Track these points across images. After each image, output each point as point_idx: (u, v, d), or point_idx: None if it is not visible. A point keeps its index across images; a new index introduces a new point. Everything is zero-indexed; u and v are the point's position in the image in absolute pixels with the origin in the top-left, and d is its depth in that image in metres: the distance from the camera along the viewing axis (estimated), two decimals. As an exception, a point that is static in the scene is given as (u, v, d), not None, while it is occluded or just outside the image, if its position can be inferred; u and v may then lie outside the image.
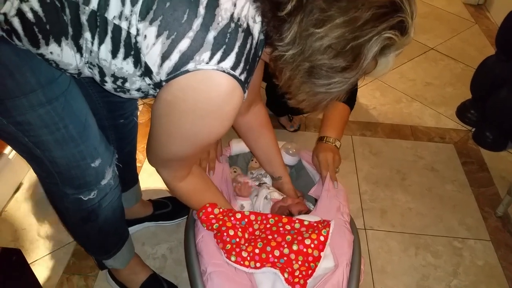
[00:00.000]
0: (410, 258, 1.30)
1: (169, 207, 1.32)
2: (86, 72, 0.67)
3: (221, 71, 0.58)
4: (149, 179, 1.48)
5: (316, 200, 1.06)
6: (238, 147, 1.27)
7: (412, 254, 1.31)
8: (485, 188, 1.55)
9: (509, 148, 1.72)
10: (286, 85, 0.65)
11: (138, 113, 1.12)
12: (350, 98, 1.24)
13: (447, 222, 1.42)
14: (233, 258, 0.84)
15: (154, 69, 0.59)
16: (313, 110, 0.70)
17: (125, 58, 0.61)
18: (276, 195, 1.06)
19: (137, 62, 0.61)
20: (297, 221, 0.90)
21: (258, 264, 0.84)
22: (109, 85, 0.67)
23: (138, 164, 1.49)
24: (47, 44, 0.61)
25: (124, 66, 0.62)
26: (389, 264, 1.28)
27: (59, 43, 0.61)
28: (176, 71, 0.58)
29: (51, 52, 0.62)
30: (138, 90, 0.67)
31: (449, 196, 1.51)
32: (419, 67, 2.15)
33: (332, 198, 0.98)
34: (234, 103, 0.62)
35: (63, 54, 0.63)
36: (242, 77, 0.61)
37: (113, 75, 0.65)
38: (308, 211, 1.00)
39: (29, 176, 1.49)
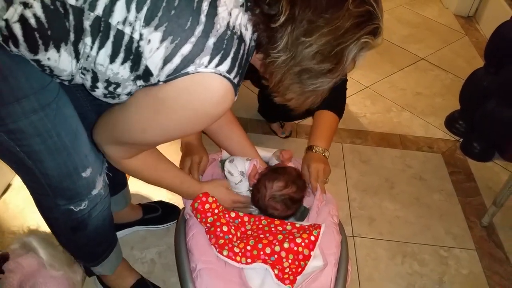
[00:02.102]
0: (397, 266, 1.32)
1: (158, 212, 1.32)
2: (78, 78, 0.68)
3: (218, 74, 0.62)
4: (139, 182, 1.47)
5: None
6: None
7: (399, 262, 1.33)
8: (471, 198, 1.58)
9: (495, 159, 1.75)
10: (276, 87, 0.71)
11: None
12: (339, 107, 1.26)
13: (434, 231, 1.44)
14: (225, 253, 0.86)
15: (155, 72, 0.62)
16: (300, 107, 0.75)
17: (123, 62, 0.63)
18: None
19: (135, 66, 0.63)
20: (289, 223, 0.93)
21: (249, 260, 0.86)
22: (99, 91, 0.69)
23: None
24: (46, 50, 0.62)
25: (121, 71, 0.64)
26: (376, 271, 1.30)
27: (58, 49, 0.62)
28: (176, 73, 0.62)
29: (48, 58, 0.63)
30: (128, 94, 0.69)
31: (437, 205, 1.54)
32: (409, 77, 2.19)
33: (323, 207, 1.00)
34: (226, 104, 0.67)
35: (60, 60, 0.63)
36: (236, 80, 0.65)
37: (107, 81, 0.66)
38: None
39: (18, 177, 1.48)
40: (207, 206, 0.91)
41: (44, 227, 1.26)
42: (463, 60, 2.35)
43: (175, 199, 1.38)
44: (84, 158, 0.78)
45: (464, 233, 1.45)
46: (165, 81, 0.63)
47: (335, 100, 1.25)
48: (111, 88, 0.67)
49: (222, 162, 1.28)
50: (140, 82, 0.66)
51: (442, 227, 1.46)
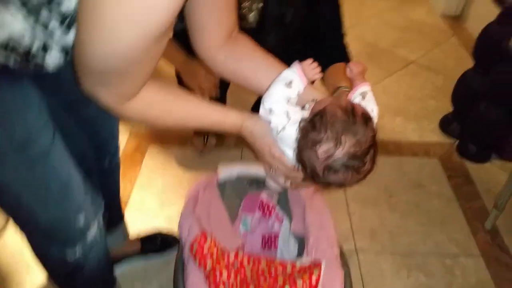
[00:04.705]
0: (403, 280, 1.30)
1: (157, 241, 1.30)
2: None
3: None
4: (137, 211, 1.47)
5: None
6: (226, 172, 1.26)
7: (404, 276, 1.31)
8: (472, 202, 1.57)
9: (493, 159, 1.74)
10: None
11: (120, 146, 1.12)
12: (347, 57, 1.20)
13: (436, 239, 1.43)
14: None
15: None
16: None
17: None
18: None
19: None
20: (289, 263, 0.89)
21: None
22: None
23: (125, 197, 1.49)
24: None
25: None
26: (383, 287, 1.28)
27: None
28: None
29: None
30: None
31: (437, 212, 1.52)
32: (401, 80, 2.18)
33: (321, 233, 0.98)
34: None
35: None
36: None
37: None
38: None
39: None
40: (205, 250, 0.87)
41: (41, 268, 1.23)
42: (453, 60, 2.35)
43: (173, 227, 1.37)
44: (77, 207, 0.77)
45: (467, 238, 1.44)
46: None
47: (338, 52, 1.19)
48: None
49: (221, 184, 1.27)
50: None
51: (444, 233, 1.45)
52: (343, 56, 1.20)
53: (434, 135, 1.87)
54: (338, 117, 0.66)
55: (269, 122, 0.70)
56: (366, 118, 0.68)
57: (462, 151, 1.76)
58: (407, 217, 1.50)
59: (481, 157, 1.74)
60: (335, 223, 1.40)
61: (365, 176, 0.70)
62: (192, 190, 1.18)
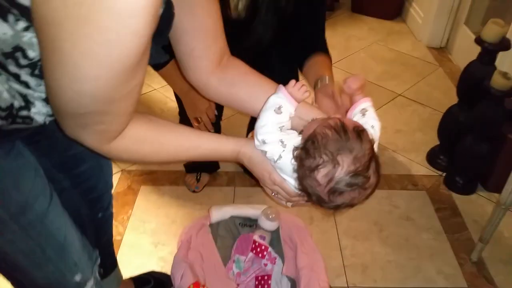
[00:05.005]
0: (392, 315, 1.34)
1: (151, 283, 1.32)
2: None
3: None
4: (130, 252, 1.49)
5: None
6: (218, 214, 1.29)
7: (394, 311, 1.35)
8: (459, 234, 1.61)
9: (479, 191, 1.80)
10: None
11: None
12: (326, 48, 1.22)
13: (426, 273, 1.47)
14: None
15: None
16: None
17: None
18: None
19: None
20: None
21: None
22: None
23: (118, 237, 1.51)
24: None
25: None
26: (373, 322, 1.31)
27: None
28: None
29: None
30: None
31: (426, 245, 1.56)
32: (388, 114, 2.25)
33: (311, 275, 1.02)
34: None
35: None
36: None
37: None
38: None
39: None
40: None
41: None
42: (439, 92, 2.43)
43: (167, 267, 1.39)
44: (73, 267, 0.79)
45: (455, 271, 1.47)
46: None
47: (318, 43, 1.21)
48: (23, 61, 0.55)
49: (213, 225, 1.30)
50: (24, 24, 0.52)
51: (433, 267, 1.49)
52: (323, 47, 1.21)
53: (421, 168, 1.92)
54: (330, 137, 0.64)
55: (265, 153, 0.69)
56: (359, 131, 0.66)
57: (449, 183, 1.82)
58: (398, 251, 1.54)
59: (467, 189, 1.79)
60: (327, 259, 1.45)
61: (373, 190, 0.68)
62: (184, 234, 1.21)
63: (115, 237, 1.24)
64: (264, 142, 0.68)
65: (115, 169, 1.75)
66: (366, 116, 0.76)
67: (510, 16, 2.07)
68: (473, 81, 1.64)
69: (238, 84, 0.77)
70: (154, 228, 1.58)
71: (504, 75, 1.47)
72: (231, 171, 1.82)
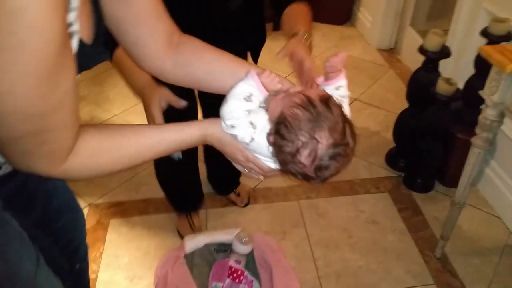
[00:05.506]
0: (367, 320, 1.40)
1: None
2: None
3: None
4: (110, 275, 1.49)
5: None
6: (192, 243, 1.31)
7: (369, 316, 1.42)
8: (422, 232, 1.71)
9: (436, 187, 1.91)
10: None
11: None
12: None
13: (395, 274, 1.55)
14: None
15: None
16: None
17: None
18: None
19: None
20: None
21: None
22: None
23: (92, 276, 1.50)
24: None
25: None
26: (350, 329, 1.37)
27: None
28: None
29: None
30: None
31: (392, 247, 1.65)
32: (347, 119, 2.33)
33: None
34: None
35: None
36: None
37: None
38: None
39: None
40: None
41: None
42: (392, 93, 2.54)
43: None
44: None
45: (421, 269, 1.57)
46: None
47: None
48: None
49: (188, 255, 1.31)
50: None
51: (401, 267, 1.57)
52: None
53: (382, 170, 2.02)
54: (301, 117, 0.63)
55: (235, 136, 0.67)
56: (325, 100, 0.65)
57: (409, 183, 1.92)
58: (367, 256, 1.61)
59: (426, 187, 1.90)
60: (302, 273, 1.50)
61: (353, 153, 0.67)
62: (160, 268, 1.22)
63: (90, 275, 1.23)
64: (232, 127, 0.67)
65: (82, 204, 1.72)
66: (340, 90, 0.78)
67: (450, 15, 2.19)
68: (420, 88, 1.75)
69: (193, 63, 0.73)
70: (127, 262, 1.57)
71: (448, 81, 1.58)
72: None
